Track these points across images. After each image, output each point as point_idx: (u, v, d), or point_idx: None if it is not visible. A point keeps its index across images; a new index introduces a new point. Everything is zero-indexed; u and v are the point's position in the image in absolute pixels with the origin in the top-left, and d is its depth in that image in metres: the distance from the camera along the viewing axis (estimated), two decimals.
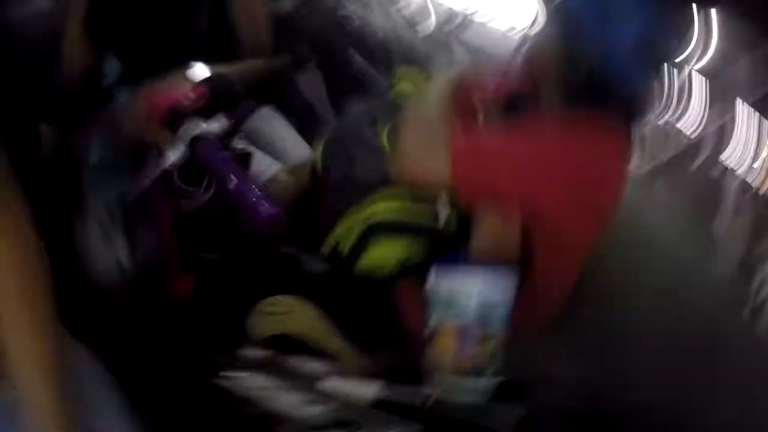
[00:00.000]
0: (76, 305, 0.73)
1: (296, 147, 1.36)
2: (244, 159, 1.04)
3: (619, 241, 0.92)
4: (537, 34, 0.92)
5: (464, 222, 0.89)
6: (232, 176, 0.90)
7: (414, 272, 0.91)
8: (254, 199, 0.87)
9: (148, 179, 0.94)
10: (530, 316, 0.82)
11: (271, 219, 0.86)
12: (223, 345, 0.96)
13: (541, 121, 0.85)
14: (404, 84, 1.12)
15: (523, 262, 0.82)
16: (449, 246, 0.90)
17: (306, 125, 1.50)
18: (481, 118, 0.95)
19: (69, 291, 0.65)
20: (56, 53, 1.13)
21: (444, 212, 0.93)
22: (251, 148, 1.11)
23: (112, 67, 1.16)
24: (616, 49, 0.79)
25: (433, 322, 0.81)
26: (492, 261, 0.80)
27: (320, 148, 1.04)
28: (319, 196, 1.04)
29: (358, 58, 1.44)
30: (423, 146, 0.86)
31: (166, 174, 0.94)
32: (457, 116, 0.92)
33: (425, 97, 0.95)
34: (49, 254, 0.61)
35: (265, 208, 0.86)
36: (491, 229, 0.84)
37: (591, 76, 0.80)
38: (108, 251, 1.01)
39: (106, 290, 1.00)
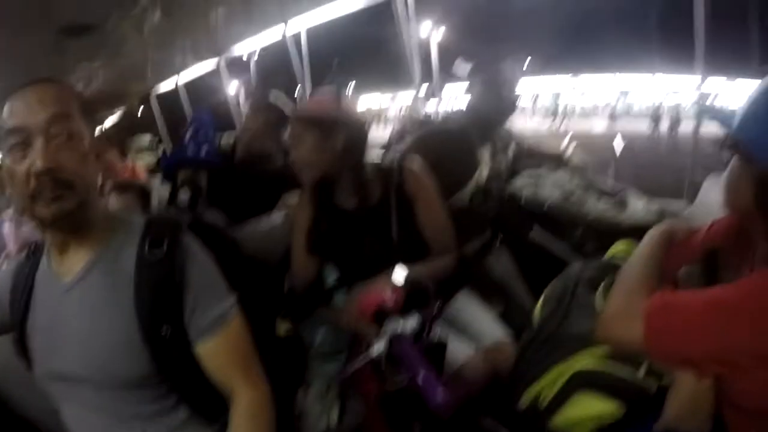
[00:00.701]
0: None
1: (491, 329, 1.44)
2: (440, 349, 1.20)
3: None
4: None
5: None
6: (421, 369, 1.09)
7: None
8: (433, 389, 1.05)
9: (359, 363, 1.14)
10: None
11: (443, 405, 1.05)
12: None
13: (747, 276, 0.80)
14: (621, 246, 1.16)
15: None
16: (646, 407, 0.87)
17: (501, 302, 1.57)
18: (685, 275, 0.95)
19: None
20: (288, 263, 1.48)
21: (643, 372, 0.91)
22: (447, 336, 1.24)
23: (331, 273, 1.44)
24: None
25: None
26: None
27: (541, 302, 1.14)
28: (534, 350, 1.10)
29: (536, 233, 1.52)
30: (622, 309, 0.87)
31: (374, 360, 1.13)
32: (665, 273, 0.92)
33: (634, 260, 0.96)
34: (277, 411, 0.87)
35: (441, 396, 1.05)
36: (686, 393, 0.79)
37: None
38: (323, 415, 1.28)
39: None
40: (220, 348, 0.85)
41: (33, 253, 0.93)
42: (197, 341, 0.85)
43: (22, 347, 0.90)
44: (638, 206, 1.58)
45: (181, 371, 0.85)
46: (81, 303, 0.84)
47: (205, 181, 1.90)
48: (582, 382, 0.94)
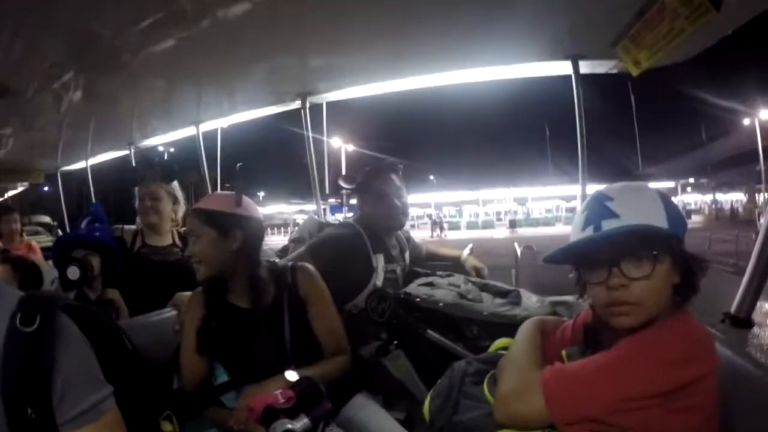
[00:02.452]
0: None
1: (389, 430, 1.42)
2: None
3: None
4: None
5: None
6: None
7: None
8: None
9: None
10: None
11: None
12: None
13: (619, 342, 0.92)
14: (503, 341, 1.24)
15: None
16: None
17: (399, 403, 1.57)
18: (565, 355, 1.03)
19: None
20: (176, 365, 1.43)
21: None
22: None
23: (221, 373, 1.40)
24: None
25: None
26: None
27: (428, 399, 1.16)
28: None
29: (431, 333, 1.59)
30: (517, 386, 0.96)
31: None
32: (547, 358, 1.03)
33: (516, 347, 1.09)
34: None
35: None
36: None
37: None
38: None
39: None
40: None
41: None
42: (65, 431, 0.77)
43: None
44: (531, 301, 1.70)
45: None
46: None
47: (98, 261, 1.86)
48: None
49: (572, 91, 2.33)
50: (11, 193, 7.53)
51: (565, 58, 2.30)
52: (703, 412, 0.87)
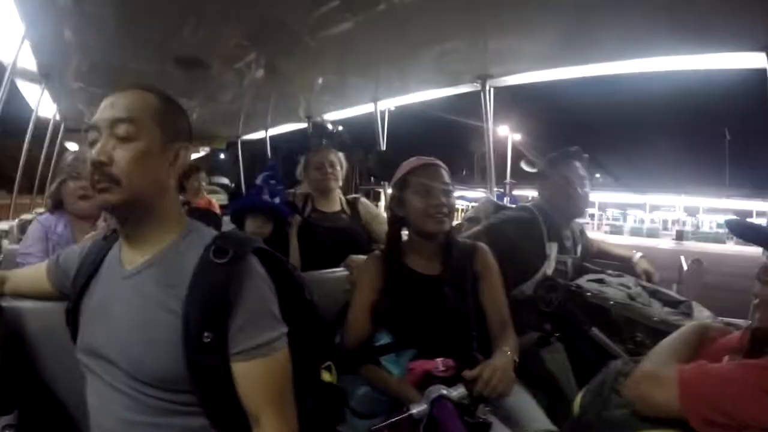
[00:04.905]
0: None
1: (536, 419, 1.39)
2: (483, 428, 1.18)
3: None
4: None
5: None
6: None
7: None
8: None
9: (397, 417, 1.14)
10: None
11: None
12: None
13: None
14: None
15: None
16: None
17: (546, 396, 1.52)
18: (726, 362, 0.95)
19: None
20: (342, 320, 1.51)
21: None
22: (492, 419, 1.22)
23: (381, 337, 1.44)
24: None
25: None
26: None
27: (581, 393, 1.16)
28: None
29: (596, 331, 1.50)
30: (654, 372, 0.94)
31: (414, 424, 1.12)
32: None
33: (668, 340, 1.06)
34: None
35: None
36: None
37: None
38: None
39: None
40: (257, 374, 0.85)
41: (109, 237, 1.00)
42: (237, 360, 0.84)
43: (73, 318, 0.95)
44: (704, 314, 1.53)
45: (212, 384, 0.85)
46: (134, 293, 0.88)
47: (269, 229, 1.97)
48: None
49: (762, 88, 1.93)
50: (194, 156, 8.83)
51: (759, 49, 1.92)
52: None
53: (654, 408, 0.91)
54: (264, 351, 0.85)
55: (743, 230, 0.99)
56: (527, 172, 2.16)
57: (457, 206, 1.93)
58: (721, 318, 1.49)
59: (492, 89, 3.05)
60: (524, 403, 1.45)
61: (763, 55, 1.93)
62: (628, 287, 1.66)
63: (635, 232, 32.21)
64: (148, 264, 0.89)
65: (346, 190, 2.46)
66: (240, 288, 0.84)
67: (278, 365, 0.87)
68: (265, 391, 0.86)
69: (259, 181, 2.04)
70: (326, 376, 1.28)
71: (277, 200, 1.99)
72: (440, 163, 1.48)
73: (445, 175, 1.46)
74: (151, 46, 2.76)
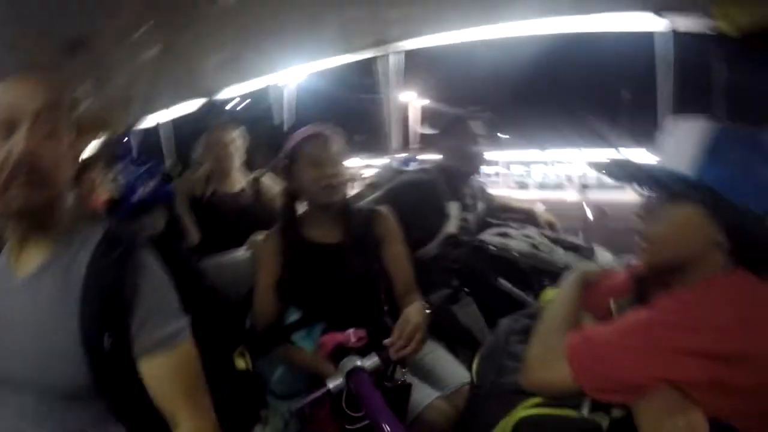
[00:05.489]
0: None
1: (455, 374, 1.42)
2: (405, 390, 1.18)
3: None
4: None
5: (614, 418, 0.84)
6: (381, 409, 1.01)
7: None
8: (395, 430, 0.96)
9: (316, 394, 1.10)
10: None
11: None
12: None
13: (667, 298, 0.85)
14: (550, 293, 1.18)
15: None
16: None
17: (466, 350, 1.57)
18: (614, 305, 0.97)
19: None
20: (250, 303, 1.47)
21: (587, 410, 0.87)
22: (411, 379, 1.22)
23: (291, 314, 1.42)
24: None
25: None
26: None
27: (476, 362, 1.13)
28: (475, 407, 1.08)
29: (503, 282, 1.56)
30: (542, 352, 0.90)
31: (335, 398, 1.09)
32: (591, 314, 0.97)
33: (551, 306, 1.01)
34: None
35: None
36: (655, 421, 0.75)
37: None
38: None
39: None
40: (165, 369, 0.81)
41: None
42: (141, 358, 0.81)
43: None
44: (606, 257, 1.63)
45: (122, 388, 0.80)
46: (32, 302, 0.81)
47: (162, 219, 1.92)
48: (529, 429, 0.91)
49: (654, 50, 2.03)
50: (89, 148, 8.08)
51: (652, 10, 1.96)
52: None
53: (555, 391, 0.88)
54: (168, 345, 0.81)
55: (620, 172, 1.00)
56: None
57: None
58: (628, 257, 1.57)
59: (403, 54, 3.01)
60: (442, 359, 1.49)
61: (655, 17, 1.96)
62: (532, 238, 1.73)
63: (542, 187, 34.40)
64: (41, 269, 0.82)
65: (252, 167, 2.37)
66: (135, 284, 0.81)
67: (185, 358, 0.83)
68: (175, 388, 0.82)
69: (121, 178, 1.96)
70: (240, 363, 1.24)
71: (152, 183, 1.90)
72: (331, 130, 1.44)
73: (336, 143, 1.42)
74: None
